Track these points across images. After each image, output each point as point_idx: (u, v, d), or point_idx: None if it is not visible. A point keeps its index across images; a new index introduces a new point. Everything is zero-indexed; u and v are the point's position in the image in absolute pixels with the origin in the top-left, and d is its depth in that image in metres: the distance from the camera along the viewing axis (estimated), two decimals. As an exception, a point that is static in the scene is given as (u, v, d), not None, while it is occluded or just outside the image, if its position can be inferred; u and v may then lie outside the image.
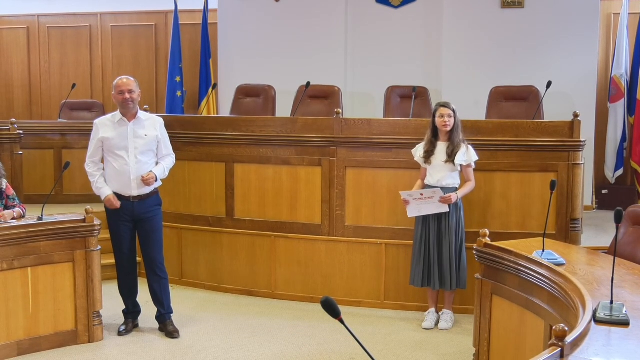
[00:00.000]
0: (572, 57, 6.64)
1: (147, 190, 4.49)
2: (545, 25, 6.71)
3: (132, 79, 4.50)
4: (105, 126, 4.50)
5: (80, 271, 4.39)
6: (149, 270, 4.62)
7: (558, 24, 6.68)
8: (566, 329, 2.23)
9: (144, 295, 4.80)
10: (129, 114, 4.47)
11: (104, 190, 4.46)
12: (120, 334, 4.60)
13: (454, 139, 4.59)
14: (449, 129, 4.60)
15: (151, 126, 4.53)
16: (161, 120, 4.63)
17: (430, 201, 4.55)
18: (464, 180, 4.70)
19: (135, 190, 4.45)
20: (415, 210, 4.63)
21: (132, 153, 4.42)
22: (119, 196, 4.48)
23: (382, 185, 5.15)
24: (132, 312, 4.72)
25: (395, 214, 5.14)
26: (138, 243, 4.65)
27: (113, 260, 4.67)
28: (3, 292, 4.12)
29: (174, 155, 4.66)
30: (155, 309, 4.68)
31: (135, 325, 4.74)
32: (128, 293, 4.70)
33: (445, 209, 4.56)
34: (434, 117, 4.65)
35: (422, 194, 4.57)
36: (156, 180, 4.47)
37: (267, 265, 5.45)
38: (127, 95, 4.41)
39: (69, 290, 4.38)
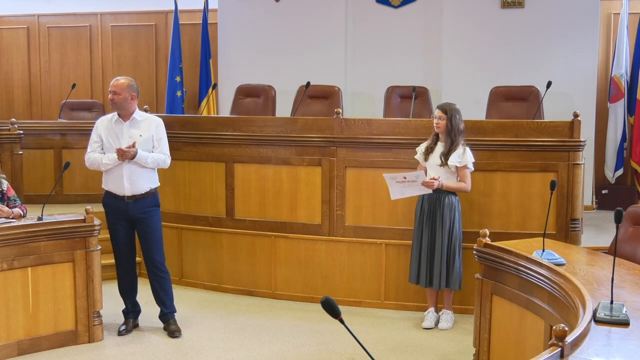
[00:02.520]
0: (572, 57, 6.65)
1: (141, 190, 4.47)
2: (545, 25, 6.71)
3: (126, 80, 4.46)
4: (103, 125, 4.53)
5: (80, 271, 4.39)
6: (149, 270, 4.62)
7: (558, 24, 6.68)
8: (566, 329, 2.23)
9: (144, 295, 4.81)
10: (123, 114, 4.47)
11: (112, 155, 4.40)
12: (120, 333, 4.59)
13: (449, 141, 4.60)
14: (437, 130, 4.64)
15: (147, 127, 4.52)
16: (159, 121, 4.60)
17: (414, 184, 4.59)
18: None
19: (128, 190, 4.44)
20: (398, 192, 4.66)
21: None
22: (113, 196, 4.48)
23: (382, 185, 5.11)
24: (132, 311, 4.72)
25: (395, 214, 5.14)
26: (138, 243, 4.65)
27: (113, 260, 4.67)
28: (3, 292, 4.12)
29: (168, 157, 4.57)
30: (157, 309, 4.68)
31: (136, 325, 4.74)
32: (127, 293, 4.70)
33: (428, 190, 4.59)
34: None
35: (405, 177, 4.60)
36: (134, 156, 4.36)
37: (267, 265, 5.45)
38: (110, 96, 4.44)
39: (69, 290, 4.38)
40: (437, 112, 4.64)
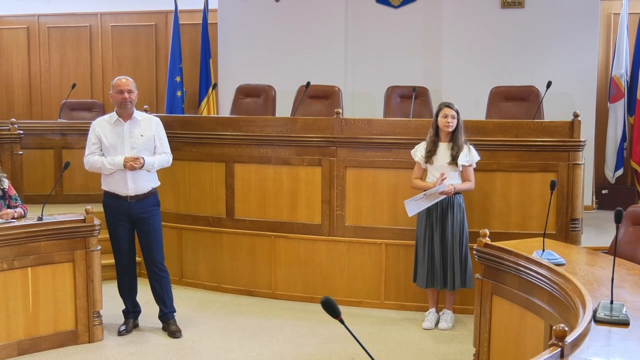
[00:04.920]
0: (572, 57, 6.65)
1: (144, 190, 4.48)
2: (545, 25, 6.71)
3: (130, 79, 4.51)
4: (101, 127, 4.51)
5: (80, 271, 4.39)
6: (149, 270, 4.63)
7: (558, 24, 6.68)
8: (566, 329, 2.23)
9: (144, 295, 4.81)
10: (125, 114, 4.47)
11: (117, 159, 4.40)
12: (120, 334, 4.59)
13: (457, 140, 4.59)
14: (450, 129, 4.59)
15: (147, 126, 4.53)
16: (158, 120, 4.62)
17: (430, 196, 4.57)
18: (464, 180, 4.69)
19: (131, 190, 4.45)
20: (415, 208, 4.64)
21: (128, 153, 4.41)
22: (115, 196, 4.48)
23: (382, 185, 5.15)
24: (132, 311, 4.72)
25: (395, 214, 5.14)
26: (138, 243, 4.65)
27: (113, 260, 4.67)
28: (3, 292, 4.13)
29: (170, 155, 4.62)
30: (157, 309, 4.68)
31: (136, 325, 4.74)
32: (127, 293, 4.70)
33: (440, 198, 4.58)
34: (436, 116, 4.65)
35: (424, 194, 4.58)
36: (142, 166, 4.40)
37: (267, 265, 5.45)
38: (127, 95, 4.41)
39: (69, 290, 4.38)
40: (448, 111, 4.57)
